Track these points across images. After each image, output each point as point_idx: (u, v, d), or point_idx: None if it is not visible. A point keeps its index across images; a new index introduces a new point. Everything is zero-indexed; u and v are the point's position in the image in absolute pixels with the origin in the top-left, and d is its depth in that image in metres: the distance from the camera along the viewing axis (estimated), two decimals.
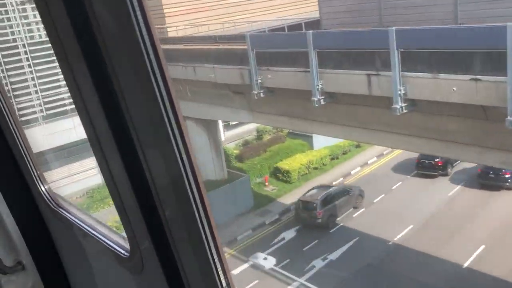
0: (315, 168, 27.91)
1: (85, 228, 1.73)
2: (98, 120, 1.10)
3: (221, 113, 20.48)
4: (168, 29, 31.66)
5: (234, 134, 31.43)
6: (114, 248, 1.47)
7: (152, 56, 0.94)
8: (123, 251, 1.41)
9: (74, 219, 1.84)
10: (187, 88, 21.31)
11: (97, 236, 1.61)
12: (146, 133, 1.05)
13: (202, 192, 1.05)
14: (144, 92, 0.99)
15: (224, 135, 30.96)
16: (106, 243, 1.54)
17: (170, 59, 20.77)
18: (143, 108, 1.03)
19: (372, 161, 28.80)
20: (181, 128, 1.01)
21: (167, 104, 0.98)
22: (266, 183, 26.30)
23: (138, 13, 0.90)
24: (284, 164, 26.93)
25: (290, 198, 25.12)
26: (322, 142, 29.54)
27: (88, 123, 1.16)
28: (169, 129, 0.99)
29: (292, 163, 27.06)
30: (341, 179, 26.98)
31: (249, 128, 31.64)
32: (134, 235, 1.25)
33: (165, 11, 32.15)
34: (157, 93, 0.97)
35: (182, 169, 1.03)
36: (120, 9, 0.91)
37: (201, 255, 1.13)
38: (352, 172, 27.61)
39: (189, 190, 1.05)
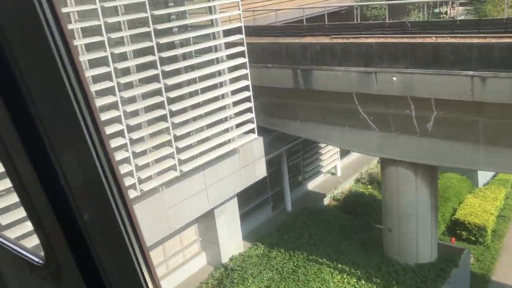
0: (497, 216, 19.42)
1: None
2: (2, 120, 1.01)
3: None
4: None
5: (346, 165, 22.11)
6: (27, 257, 1.28)
7: (62, 49, 0.89)
8: (37, 259, 1.24)
9: None
10: (432, 116, 11.81)
11: (6, 244, 1.39)
12: (58, 133, 0.98)
13: (123, 192, 1.01)
14: (54, 88, 0.93)
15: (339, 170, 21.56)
16: (18, 252, 1.33)
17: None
18: (54, 106, 0.97)
19: None
20: (98, 126, 0.96)
21: (81, 100, 0.93)
22: None
23: (45, 5, 0.86)
24: (468, 215, 18.08)
25: (507, 273, 16.37)
26: (486, 177, 21.18)
27: None
28: (84, 127, 0.95)
29: (475, 211, 18.28)
30: None
31: (356, 157, 22.47)
32: (49, 242, 1.13)
33: None
34: (69, 89, 0.92)
35: (100, 169, 0.98)
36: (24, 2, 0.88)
37: (125, 260, 1.06)
38: None
39: (108, 191, 1.00)
